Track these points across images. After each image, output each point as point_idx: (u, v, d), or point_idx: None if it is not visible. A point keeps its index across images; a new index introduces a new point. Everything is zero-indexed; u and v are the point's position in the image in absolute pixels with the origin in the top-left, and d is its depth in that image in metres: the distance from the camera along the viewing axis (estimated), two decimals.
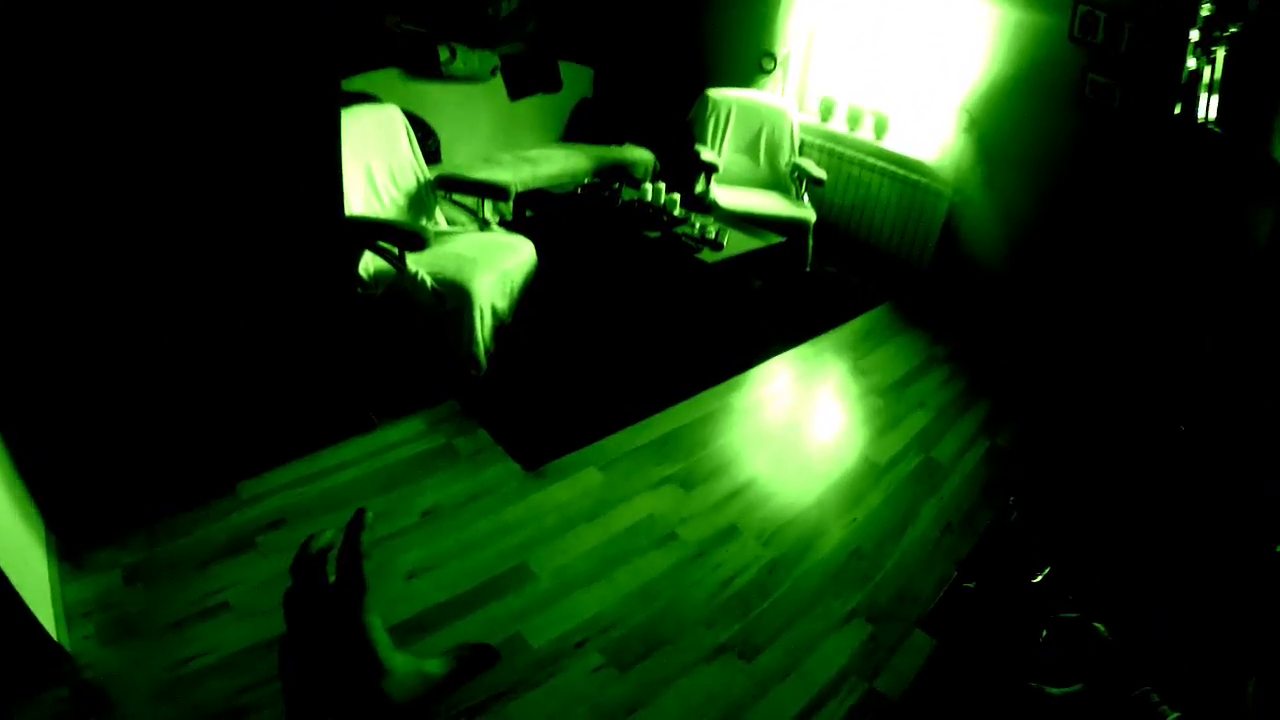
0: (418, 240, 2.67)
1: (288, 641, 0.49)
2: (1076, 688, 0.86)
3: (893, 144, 4.54)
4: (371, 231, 2.73)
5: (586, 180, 3.91)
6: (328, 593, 0.49)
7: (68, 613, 1.99)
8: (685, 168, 4.36)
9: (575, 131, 4.74)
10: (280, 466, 2.50)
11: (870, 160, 4.56)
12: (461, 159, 4.03)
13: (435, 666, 0.51)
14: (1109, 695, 0.84)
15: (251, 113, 2.00)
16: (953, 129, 4.24)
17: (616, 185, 3.84)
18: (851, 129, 4.69)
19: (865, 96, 4.67)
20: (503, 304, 3.00)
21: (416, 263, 2.81)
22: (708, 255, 3.27)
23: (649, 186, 3.66)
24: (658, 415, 2.98)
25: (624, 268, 3.40)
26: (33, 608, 1.76)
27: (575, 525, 2.46)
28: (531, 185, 4.05)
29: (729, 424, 3.04)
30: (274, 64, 1.97)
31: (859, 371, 3.57)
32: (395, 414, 2.80)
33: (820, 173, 4.22)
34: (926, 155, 4.40)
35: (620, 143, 4.65)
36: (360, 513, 0.50)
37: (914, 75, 4.46)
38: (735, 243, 3.43)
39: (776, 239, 3.59)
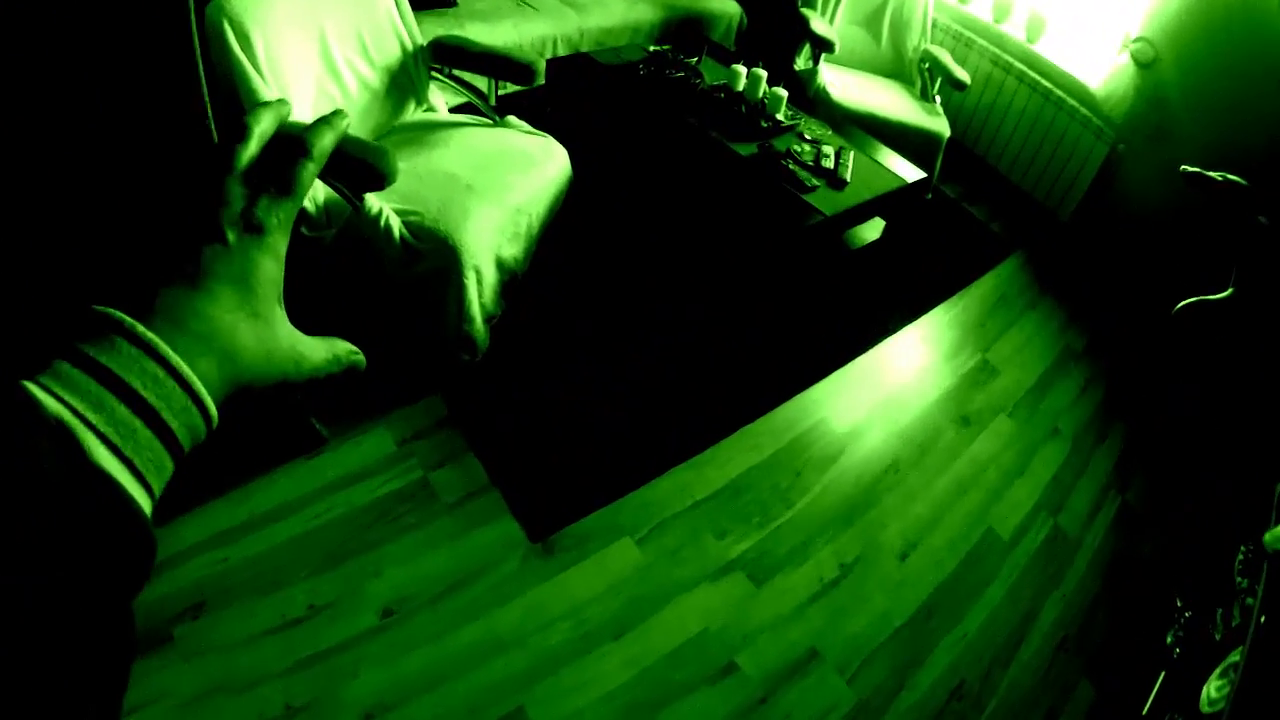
0: (373, 173, 1.55)
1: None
2: (1229, 292, 0.62)
3: (1048, 52, 3.17)
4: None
5: (651, 46, 2.59)
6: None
7: None
8: (781, 33, 2.97)
9: None
10: (198, 507, 1.64)
11: (1016, 65, 3.19)
12: (482, 2, 2.69)
13: (314, 353, 0.35)
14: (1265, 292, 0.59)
15: None
16: (1126, 58, 2.86)
17: (695, 59, 2.53)
18: (997, 20, 3.32)
19: None
20: (513, 250, 1.93)
21: (381, 198, 1.71)
22: (823, 198, 2.09)
23: (741, 70, 2.38)
24: (727, 440, 2.01)
25: (698, 197, 2.23)
26: None
27: (597, 644, 1.60)
28: (577, 45, 2.74)
29: (822, 459, 2.06)
30: None
31: (988, 371, 2.51)
32: (354, 417, 1.86)
33: (963, 74, 2.88)
34: (1090, 79, 3.05)
35: None
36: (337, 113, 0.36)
37: None
38: (862, 176, 2.22)
39: (917, 174, 2.36)
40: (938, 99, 3.00)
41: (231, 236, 0.31)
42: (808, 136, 2.32)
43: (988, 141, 3.34)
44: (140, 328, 0.27)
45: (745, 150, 2.19)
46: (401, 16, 1.99)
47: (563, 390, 2.00)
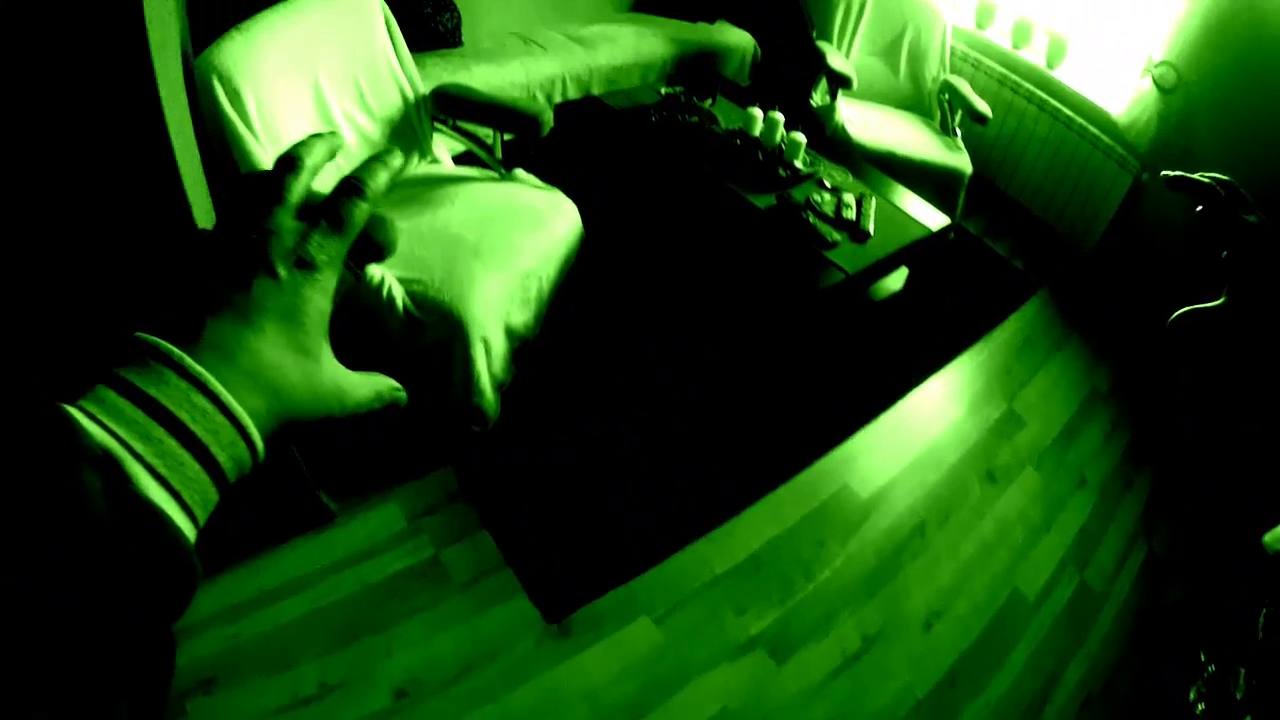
0: (370, 244, 1.45)
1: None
2: (1222, 299, 0.59)
3: (1068, 78, 3.07)
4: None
5: (663, 88, 2.50)
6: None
7: None
8: (796, 67, 2.88)
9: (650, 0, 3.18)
10: (211, 578, 1.59)
11: (1037, 93, 3.10)
12: (489, 40, 2.62)
13: (357, 390, 0.35)
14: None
15: None
16: (1149, 83, 2.77)
17: (709, 101, 2.45)
18: (1016, 45, 3.21)
19: (1038, 5, 3.16)
20: (523, 316, 1.86)
21: (384, 265, 1.65)
22: (845, 254, 2.00)
23: (757, 114, 2.30)
24: (748, 510, 1.93)
25: (714, 251, 2.15)
26: None
27: None
28: (587, 84, 2.66)
29: (845, 526, 1.99)
30: None
31: (1014, 421, 2.42)
32: (363, 491, 1.80)
33: (984, 107, 2.78)
34: (1112, 106, 2.95)
35: (710, 19, 3.10)
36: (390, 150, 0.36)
37: None
38: (885, 226, 2.14)
39: (941, 220, 2.27)
40: (958, 132, 2.91)
41: (282, 271, 0.31)
42: (827, 184, 2.24)
43: (1009, 173, 3.24)
44: (189, 361, 0.27)
45: (763, 202, 2.11)
46: (401, 63, 1.92)
47: (577, 459, 1.94)
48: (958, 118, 2.91)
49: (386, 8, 1.84)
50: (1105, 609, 2.03)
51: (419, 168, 2.05)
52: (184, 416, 0.26)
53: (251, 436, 0.28)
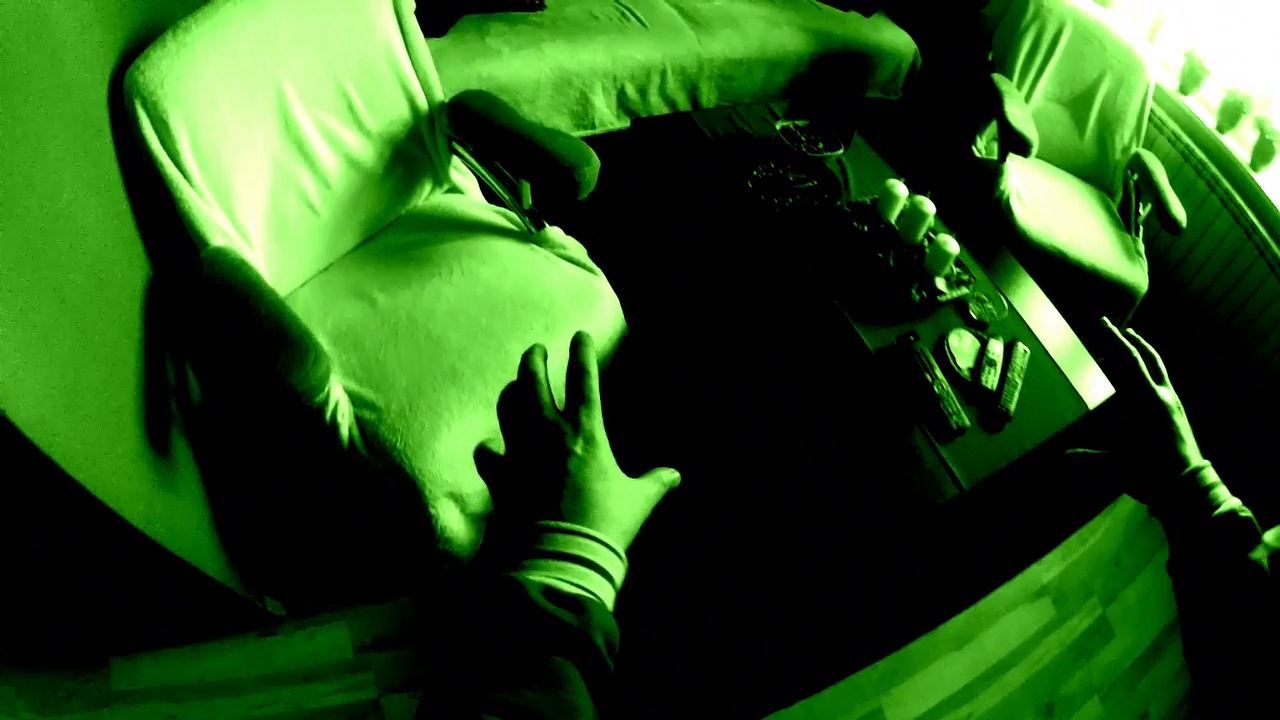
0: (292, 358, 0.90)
1: (502, 458, 0.45)
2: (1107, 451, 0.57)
3: (1272, 188, 2.10)
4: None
5: (782, 120, 1.68)
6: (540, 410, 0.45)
7: None
8: (961, 97, 2.00)
9: None
10: (156, 650, 1.27)
11: (1233, 195, 2.13)
12: (577, 6, 1.79)
13: (651, 490, 0.46)
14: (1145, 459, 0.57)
15: None
16: None
17: (839, 150, 1.64)
18: (1222, 127, 2.19)
19: (1257, 82, 2.13)
20: None
21: (336, 371, 1.07)
22: (967, 452, 1.30)
23: (898, 190, 1.52)
24: None
25: (787, 391, 1.47)
26: None
27: None
28: (691, 79, 1.86)
29: None
30: None
31: (1103, 633, 1.78)
32: (316, 601, 1.35)
33: (1179, 211, 1.94)
34: None
35: (865, 10, 2.16)
36: (581, 335, 0.48)
37: None
38: (1032, 403, 1.40)
39: (1104, 391, 1.53)
40: (1140, 230, 2.04)
41: (579, 449, 0.42)
42: (973, 313, 1.48)
43: (1179, 279, 2.33)
44: (564, 523, 0.39)
45: (876, 340, 1.39)
46: (413, 60, 1.21)
47: None
48: (1145, 212, 2.03)
49: None
50: None
51: (434, 197, 1.38)
52: (576, 551, 0.38)
53: (618, 550, 0.40)
